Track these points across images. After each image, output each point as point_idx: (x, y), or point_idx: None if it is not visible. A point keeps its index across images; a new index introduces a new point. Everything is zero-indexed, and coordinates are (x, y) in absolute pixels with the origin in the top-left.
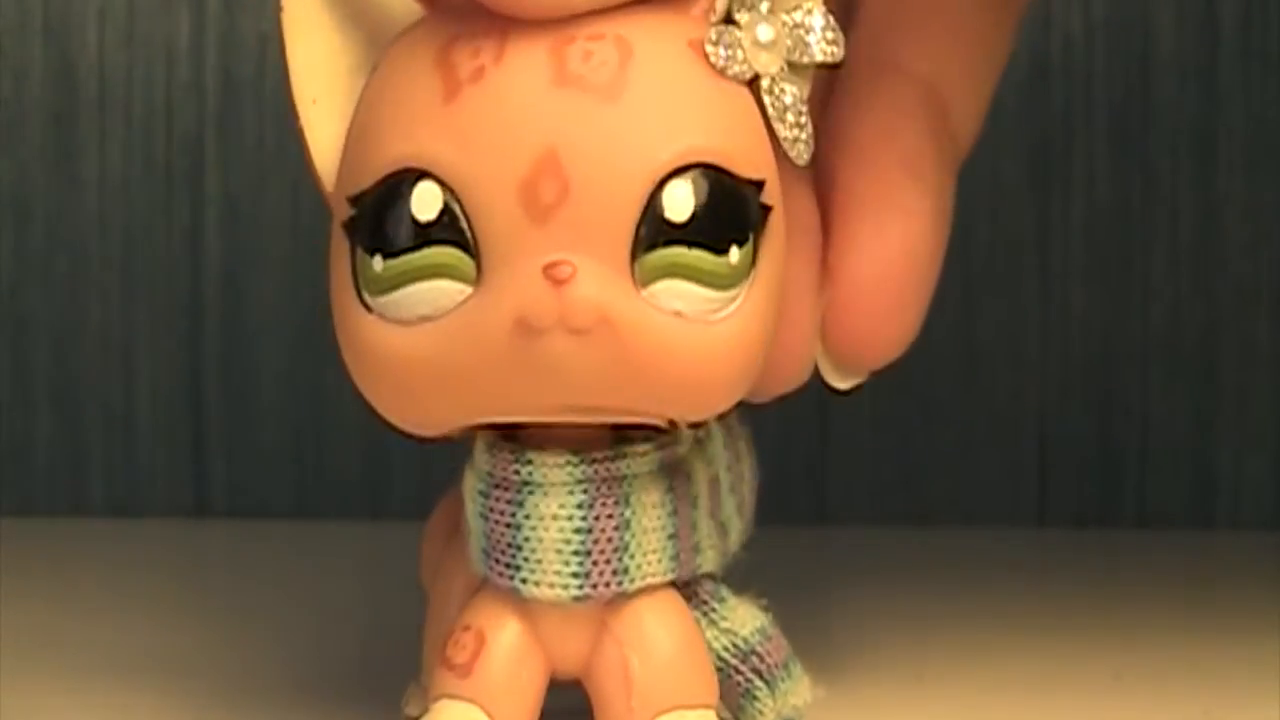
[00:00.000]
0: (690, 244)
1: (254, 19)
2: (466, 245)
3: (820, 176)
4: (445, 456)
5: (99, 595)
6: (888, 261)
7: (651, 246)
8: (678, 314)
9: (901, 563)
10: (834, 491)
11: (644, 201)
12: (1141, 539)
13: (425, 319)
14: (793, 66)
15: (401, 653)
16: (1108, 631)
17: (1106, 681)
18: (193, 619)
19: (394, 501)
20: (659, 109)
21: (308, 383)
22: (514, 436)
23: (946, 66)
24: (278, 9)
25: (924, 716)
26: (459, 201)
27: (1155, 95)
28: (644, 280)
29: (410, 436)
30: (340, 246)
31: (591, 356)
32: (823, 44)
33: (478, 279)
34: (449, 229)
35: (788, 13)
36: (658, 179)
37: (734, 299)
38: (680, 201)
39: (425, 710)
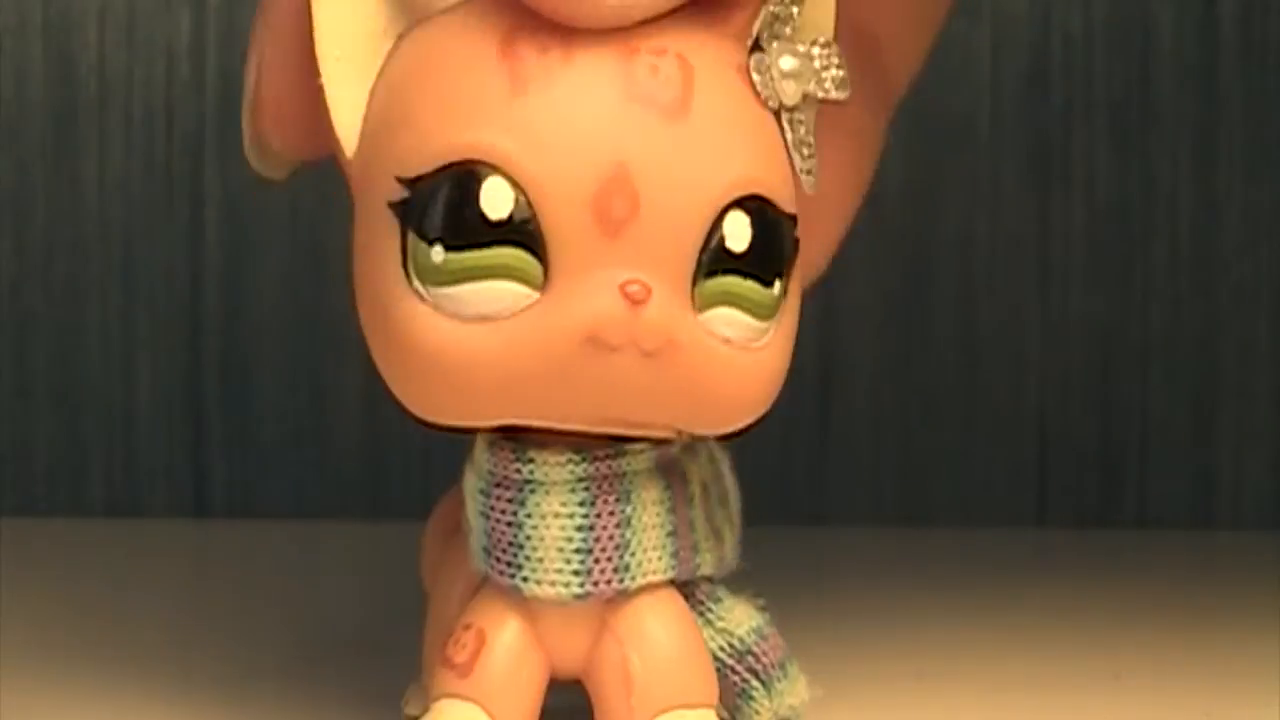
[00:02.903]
0: (745, 274)
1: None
2: (536, 250)
3: None
4: (445, 456)
5: (99, 595)
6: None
7: (711, 273)
8: (726, 341)
9: (901, 563)
10: (834, 491)
11: (708, 227)
12: (1141, 539)
13: (485, 318)
14: (805, 99)
15: (401, 653)
16: (1108, 631)
17: (1106, 681)
18: (193, 619)
19: (394, 501)
20: (721, 134)
21: (308, 383)
22: (515, 435)
23: (881, 10)
24: None
25: (924, 716)
26: (530, 204)
27: (1155, 95)
28: (700, 306)
29: (413, 419)
30: (379, 225)
31: (654, 377)
32: (830, 83)
33: (544, 285)
34: (520, 231)
35: (804, 45)
36: (721, 205)
37: (769, 330)
38: (740, 231)
39: (425, 710)
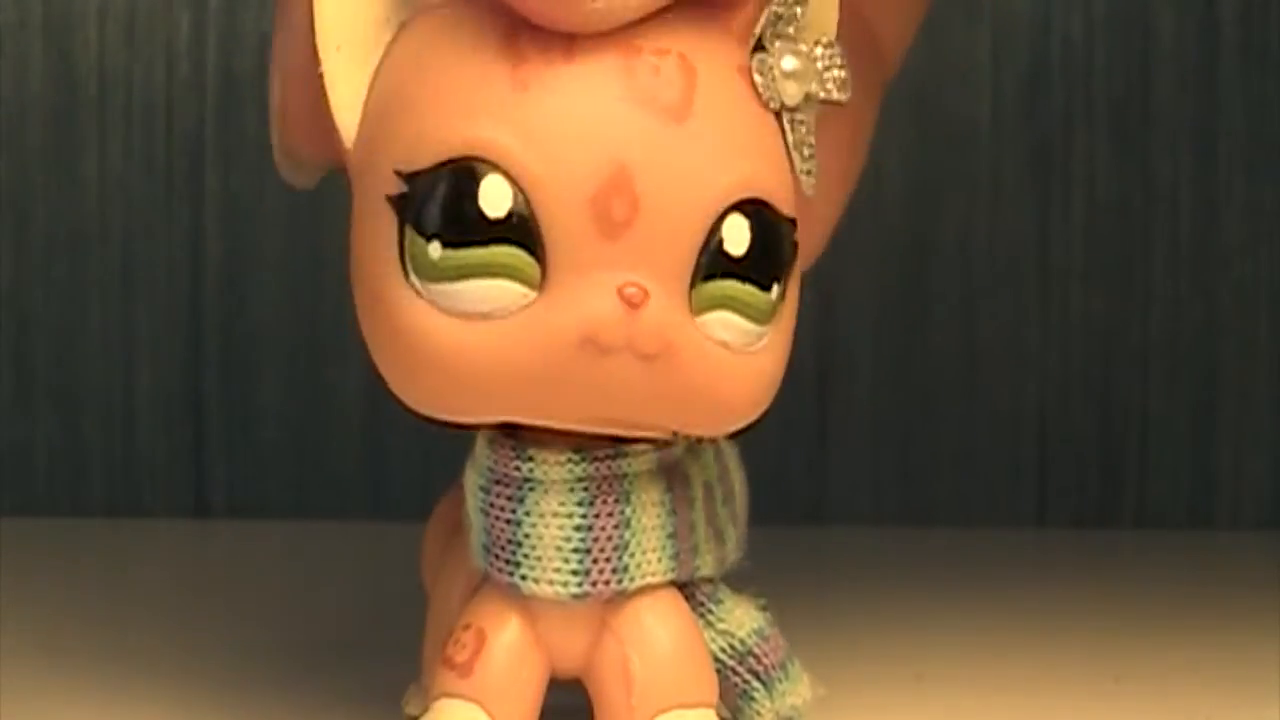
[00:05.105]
0: (743, 278)
1: (255, 17)
2: (534, 249)
3: None
4: (445, 456)
5: (99, 595)
6: None
7: (709, 277)
8: (724, 344)
9: (901, 563)
10: (834, 491)
11: (707, 230)
12: (1141, 539)
13: (482, 316)
14: (806, 99)
15: (401, 653)
16: (1108, 632)
17: (1106, 683)
18: (193, 619)
19: (394, 501)
20: (722, 136)
21: (308, 383)
22: (515, 433)
23: None
24: None
25: (924, 716)
26: (529, 203)
27: (1155, 95)
28: (698, 309)
29: (412, 414)
30: (377, 218)
31: (651, 380)
32: (831, 83)
33: (542, 285)
34: (518, 230)
35: (807, 45)
36: (721, 208)
37: (766, 333)
38: (739, 234)
39: (425, 710)
